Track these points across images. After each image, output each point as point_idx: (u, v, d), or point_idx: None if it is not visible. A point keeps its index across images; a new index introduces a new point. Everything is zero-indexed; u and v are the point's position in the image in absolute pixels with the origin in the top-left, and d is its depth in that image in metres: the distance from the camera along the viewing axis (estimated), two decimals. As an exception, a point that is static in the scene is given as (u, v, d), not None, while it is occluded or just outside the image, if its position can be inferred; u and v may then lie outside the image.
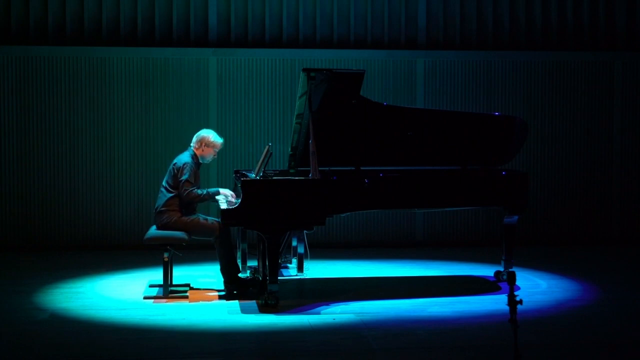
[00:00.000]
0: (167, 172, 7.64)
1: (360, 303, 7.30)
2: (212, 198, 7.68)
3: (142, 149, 10.23)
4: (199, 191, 7.52)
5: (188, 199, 7.51)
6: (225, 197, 7.62)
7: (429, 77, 10.59)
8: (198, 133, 7.75)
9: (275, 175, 8.11)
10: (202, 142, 7.69)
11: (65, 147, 10.14)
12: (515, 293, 4.87)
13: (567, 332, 6.43)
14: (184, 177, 7.46)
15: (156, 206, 7.63)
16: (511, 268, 8.04)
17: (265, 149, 7.82)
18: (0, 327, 6.50)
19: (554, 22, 10.89)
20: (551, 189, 10.79)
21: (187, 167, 7.50)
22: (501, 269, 8.23)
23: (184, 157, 7.61)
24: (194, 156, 7.66)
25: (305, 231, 8.14)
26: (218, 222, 7.47)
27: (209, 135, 7.72)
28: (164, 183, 7.62)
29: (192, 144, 7.73)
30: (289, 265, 8.71)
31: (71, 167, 10.15)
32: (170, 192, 7.53)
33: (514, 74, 10.72)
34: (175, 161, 7.62)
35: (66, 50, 10.13)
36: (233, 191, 8.13)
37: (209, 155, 7.74)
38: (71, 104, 10.15)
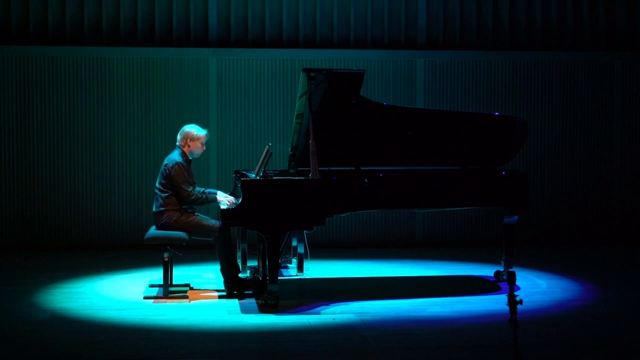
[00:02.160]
0: (159, 174, 7.61)
1: (360, 303, 7.30)
2: (211, 201, 7.67)
3: (142, 149, 10.23)
4: (199, 194, 7.53)
5: (189, 201, 7.52)
6: (222, 203, 7.58)
7: (429, 77, 10.60)
8: (181, 130, 7.71)
9: (275, 175, 8.11)
10: (187, 138, 7.67)
11: (65, 147, 10.14)
12: (515, 293, 4.88)
13: (567, 332, 6.43)
14: (181, 185, 7.44)
15: (153, 208, 7.62)
16: (511, 268, 8.04)
17: (265, 149, 7.82)
18: (0, 327, 6.50)
19: (554, 22, 10.90)
20: (551, 189, 10.79)
21: (181, 171, 7.47)
22: (501, 269, 8.24)
23: (174, 157, 7.59)
24: (183, 154, 7.64)
25: (305, 231, 8.14)
26: (218, 222, 7.47)
27: (192, 129, 7.69)
28: (157, 184, 7.58)
29: (177, 142, 7.70)
30: (289, 265, 8.71)
31: (71, 167, 10.15)
32: (165, 192, 7.52)
33: (514, 74, 10.72)
34: (165, 162, 7.59)
35: (66, 50, 10.13)
36: (233, 191, 8.13)
37: (196, 150, 7.71)
38: (71, 104, 10.15)
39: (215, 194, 7.66)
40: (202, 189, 7.70)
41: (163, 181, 7.54)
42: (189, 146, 7.66)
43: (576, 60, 10.77)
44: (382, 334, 6.27)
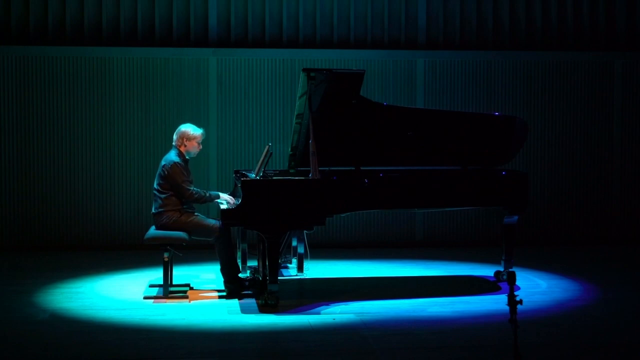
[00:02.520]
0: (157, 175, 7.58)
1: (360, 303, 7.30)
2: (213, 200, 7.67)
3: (142, 149, 10.23)
4: (202, 192, 7.53)
5: (191, 200, 7.52)
6: (222, 202, 7.58)
7: (429, 77, 10.60)
8: (177, 130, 7.68)
9: (275, 175, 8.11)
10: (183, 138, 7.64)
11: (65, 147, 10.14)
12: (515, 293, 4.88)
13: (567, 332, 6.43)
14: (182, 184, 7.43)
15: (153, 209, 7.61)
16: (511, 268, 8.04)
17: (265, 149, 7.82)
18: (0, 327, 6.50)
19: (554, 22, 10.90)
20: (551, 189, 10.79)
21: (180, 170, 7.46)
22: (501, 269, 8.24)
23: (171, 157, 7.55)
24: (180, 154, 7.61)
25: (305, 231, 8.14)
26: (218, 222, 7.47)
27: (188, 129, 7.67)
28: (155, 186, 7.56)
29: (174, 142, 7.68)
30: (289, 265, 8.71)
31: (71, 167, 10.15)
32: (164, 192, 7.50)
33: (514, 74, 10.72)
34: (163, 162, 7.56)
35: (66, 50, 10.13)
36: (233, 191, 8.14)
37: (193, 149, 7.69)
38: (71, 104, 10.15)
39: (217, 193, 7.66)
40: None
41: (162, 182, 7.52)
42: (185, 146, 7.64)
43: (576, 60, 10.77)
44: (382, 334, 6.27)
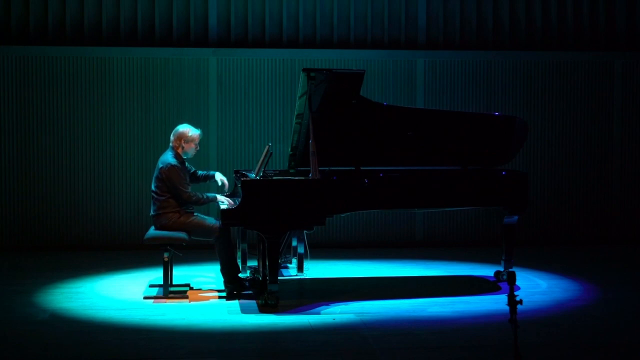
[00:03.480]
0: (154, 178, 7.55)
1: (360, 303, 7.30)
2: (211, 202, 7.66)
3: (142, 149, 10.23)
4: (200, 194, 7.52)
5: (189, 202, 7.51)
6: (222, 203, 7.57)
7: (429, 77, 10.59)
8: (174, 130, 7.64)
9: (275, 175, 8.11)
10: (181, 139, 7.61)
11: (65, 147, 10.14)
12: (515, 293, 4.88)
13: (567, 332, 6.43)
14: (180, 187, 7.42)
15: (151, 211, 7.59)
16: (511, 268, 8.04)
17: (265, 149, 7.82)
18: (0, 327, 6.50)
19: (554, 22, 10.89)
20: (551, 189, 10.79)
21: (177, 172, 7.43)
22: (501, 269, 8.24)
23: (168, 159, 7.51)
24: (177, 155, 7.59)
25: (305, 231, 8.14)
26: (218, 222, 7.46)
27: (186, 130, 7.64)
28: (153, 188, 7.54)
29: (170, 143, 7.65)
30: (289, 265, 8.71)
31: (71, 167, 10.15)
32: (162, 195, 7.48)
33: (514, 74, 10.72)
34: (160, 165, 7.51)
35: (66, 50, 10.13)
36: (233, 191, 8.14)
37: (190, 150, 7.66)
38: (71, 104, 10.15)
39: (215, 195, 7.65)
40: (205, 172, 7.81)
41: (159, 184, 7.49)
42: (183, 147, 7.61)
43: (576, 60, 10.77)
44: (382, 334, 6.27)
